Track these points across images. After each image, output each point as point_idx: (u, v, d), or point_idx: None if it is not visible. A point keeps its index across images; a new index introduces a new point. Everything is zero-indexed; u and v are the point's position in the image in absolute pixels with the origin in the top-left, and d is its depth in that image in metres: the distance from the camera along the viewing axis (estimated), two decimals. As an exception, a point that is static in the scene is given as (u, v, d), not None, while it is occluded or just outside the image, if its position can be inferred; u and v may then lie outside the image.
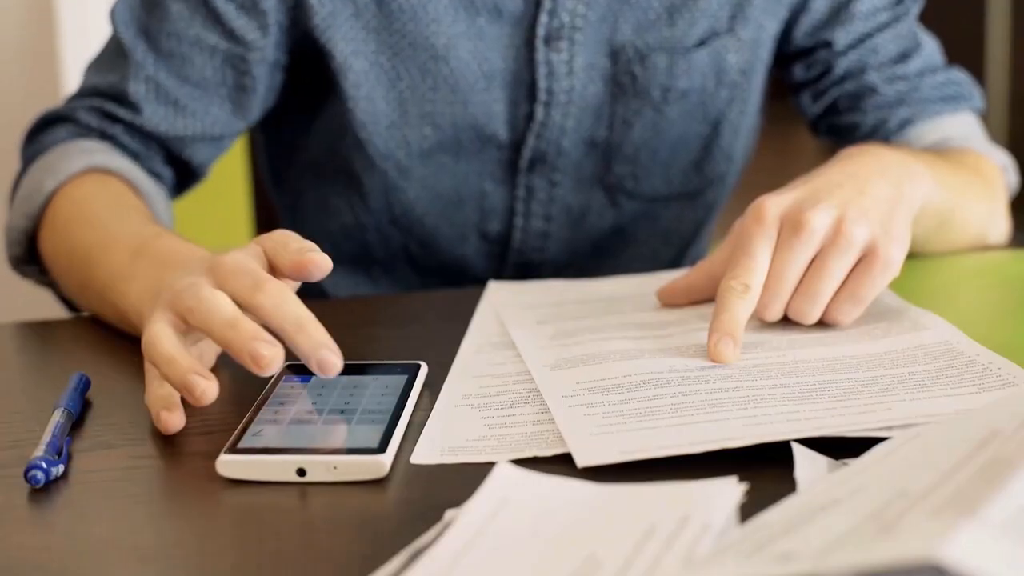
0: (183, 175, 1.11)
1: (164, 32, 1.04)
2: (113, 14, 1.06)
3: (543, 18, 1.05)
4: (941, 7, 2.75)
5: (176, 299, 0.72)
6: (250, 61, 1.05)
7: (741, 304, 0.79)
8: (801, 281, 0.81)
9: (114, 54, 1.07)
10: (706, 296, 0.87)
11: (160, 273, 0.81)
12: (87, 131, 1.07)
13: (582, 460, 0.65)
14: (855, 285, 0.81)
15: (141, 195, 1.02)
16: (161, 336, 0.71)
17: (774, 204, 0.82)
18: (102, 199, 0.98)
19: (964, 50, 3.97)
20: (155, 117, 1.05)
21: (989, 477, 0.48)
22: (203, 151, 1.09)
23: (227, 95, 1.07)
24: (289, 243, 0.73)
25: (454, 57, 1.05)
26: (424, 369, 0.78)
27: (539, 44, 1.06)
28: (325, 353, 0.68)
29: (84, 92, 1.09)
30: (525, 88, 1.08)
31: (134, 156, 1.07)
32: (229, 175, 2.41)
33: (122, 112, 1.06)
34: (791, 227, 0.81)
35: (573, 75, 1.07)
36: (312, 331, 0.68)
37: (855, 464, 0.58)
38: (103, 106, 1.06)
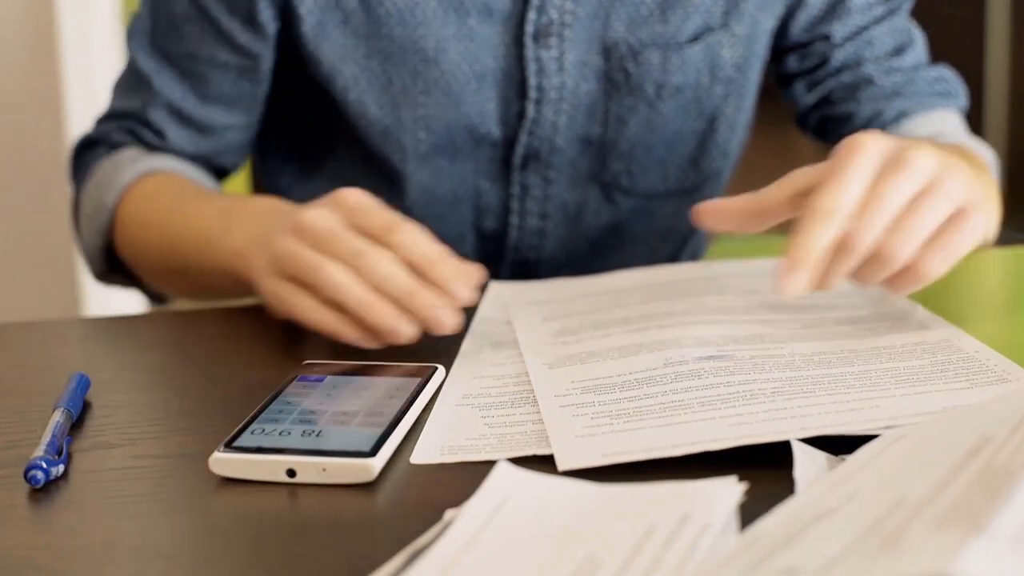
0: (218, 173, 1.16)
1: (180, 54, 1.07)
2: (129, 39, 1.10)
3: (531, 15, 1.05)
4: (941, 6, 2.75)
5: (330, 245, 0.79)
6: (260, 71, 1.08)
7: (823, 230, 0.72)
8: (898, 218, 0.75)
9: (134, 79, 1.11)
10: (765, 221, 0.80)
11: (258, 222, 0.89)
12: (122, 148, 1.11)
13: (563, 463, 0.64)
14: (947, 237, 0.76)
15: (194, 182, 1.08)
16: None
17: (875, 140, 0.76)
18: (165, 193, 1.05)
19: (964, 50, 3.97)
20: (179, 140, 1.10)
21: (988, 488, 0.48)
22: (230, 158, 1.14)
23: (247, 106, 1.10)
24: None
25: (444, 59, 1.05)
26: (440, 372, 0.78)
27: (528, 41, 1.06)
28: (460, 287, 0.79)
29: (112, 115, 1.13)
30: (516, 86, 1.08)
31: None
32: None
33: (148, 136, 1.10)
34: (894, 162, 0.75)
35: (564, 72, 1.07)
36: (445, 267, 0.80)
37: (846, 465, 0.58)
38: (132, 128, 1.11)
